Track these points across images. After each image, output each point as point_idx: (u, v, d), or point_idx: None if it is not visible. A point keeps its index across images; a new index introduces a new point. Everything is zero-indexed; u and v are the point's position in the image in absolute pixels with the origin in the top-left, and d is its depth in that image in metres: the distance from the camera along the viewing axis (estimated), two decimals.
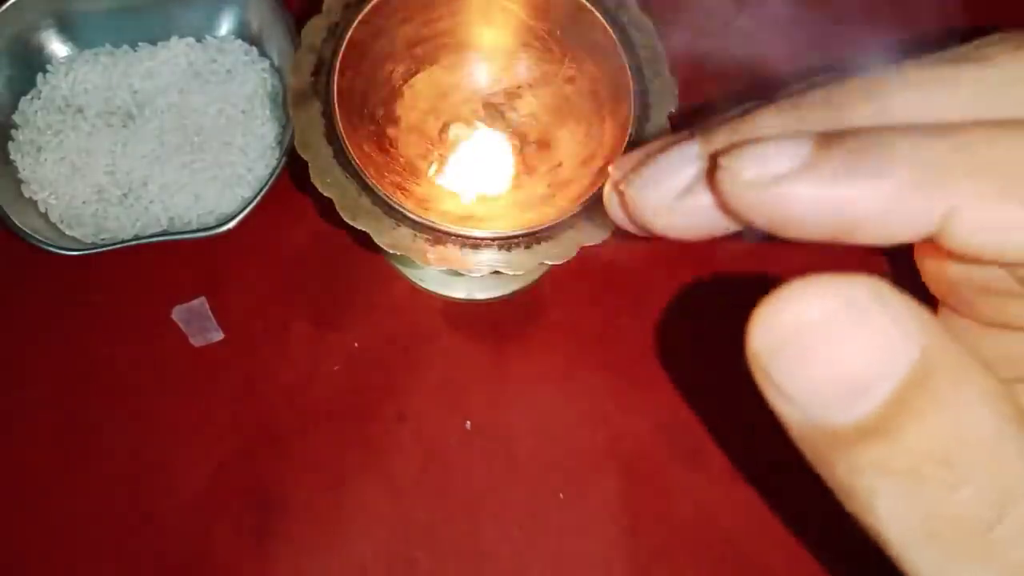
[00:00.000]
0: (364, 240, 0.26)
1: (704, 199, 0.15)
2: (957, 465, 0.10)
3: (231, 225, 0.34)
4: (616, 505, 0.34)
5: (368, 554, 0.33)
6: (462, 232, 0.26)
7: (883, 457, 0.10)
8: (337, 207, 0.26)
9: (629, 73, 0.28)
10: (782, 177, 0.13)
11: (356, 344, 0.36)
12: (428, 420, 0.35)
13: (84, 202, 0.37)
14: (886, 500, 0.10)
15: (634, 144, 0.28)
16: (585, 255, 0.26)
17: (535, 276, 0.37)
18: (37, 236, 0.34)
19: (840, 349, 0.11)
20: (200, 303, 0.36)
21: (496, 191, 0.31)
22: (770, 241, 0.37)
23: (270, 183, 0.35)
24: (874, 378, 0.10)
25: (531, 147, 0.32)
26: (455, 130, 0.32)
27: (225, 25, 0.40)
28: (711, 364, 0.37)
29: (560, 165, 0.31)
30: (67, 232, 0.36)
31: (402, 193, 0.28)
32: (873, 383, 0.10)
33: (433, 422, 0.35)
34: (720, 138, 0.15)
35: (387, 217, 0.26)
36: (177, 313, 0.36)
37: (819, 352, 0.11)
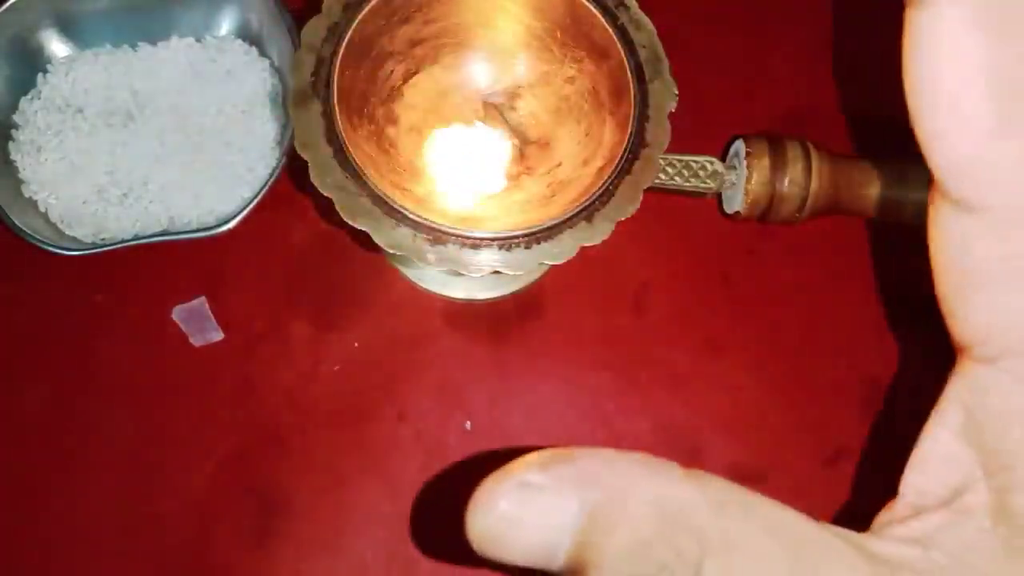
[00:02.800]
0: (364, 240, 0.26)
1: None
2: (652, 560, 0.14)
3: (231, 225, 0.34)
4: None
5: (368, 554, 0.33)
6: (462, 232, 0.26)
7: (597, 563, 0.14)
8: (337, 207, 0.26)
9: (629, 73, 0.28)
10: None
11: (356, 344, 0.36)
12: (428, 420, 0.35)
13: (84, 202, 0.37)
14: None
15: (634, 144, 0.28)
16: (585, 255, 0.26)
17: (535, 276, 0.37)
18: (37, 236, 0.34)
19: (524, 526, 0.14)
20: (200, 303, 0.36)
21: (496, 191, 0.31)
22: (765, 222, 0.37)
23: (270, 183, 0.35)
24: (557, 537, 0.14)
25: (531, 147, 0.32)
26: (455, 130, 0.32)
27: (225, 25, 0.40)
28: (711, 364, 0.37)
29: (560, 165, 0.31)
30: (67, 232, 0.36)
31: (402, 193, 0.28)
32: (558, 540, 0.14)
33: (433, 422, 0.35)
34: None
35: (387, 217, 0.26)
36: (177, 313, 0.36)
37: (511, 534, 0.14)
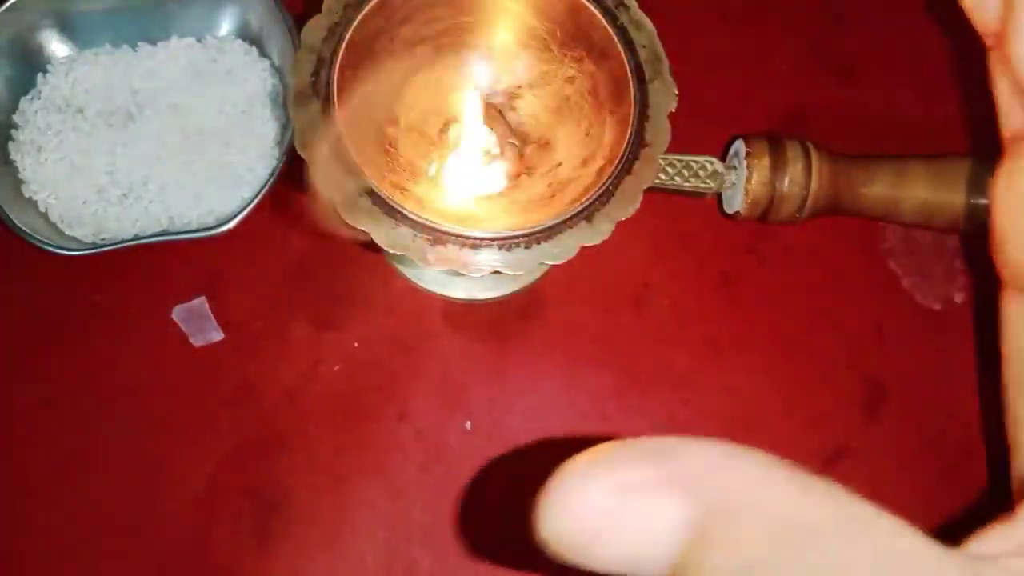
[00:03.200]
0: (364, 240, 0.26)
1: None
2: None
3: (231, 225, 0.34)
4: None
5: (368, 554, 0.33)
6: (462, 232, 0.26)
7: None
8: (337, 207, 0.26)
9: (629, 73, 0.28)
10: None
11: (356, 344, 0.36)
12: (428, 420, 0.35)
13: (84, 202, 0.37)
14: None
15: (634, 144, 0.28)
16: (585, 255, 0.26)
17: (535, 276, 0.37)
18: (37, 236, 0.34)
19: (621, 530, 0.12)
20: (200, 303, 0.36)
21: (496, 191, 0.31)
22: (765, 222, 0.36)
23: (270, 183, 0.35)
24: (655, 548, 0.12)
25: (531, 147, 0.32)
26: (455, 130, 0.32)
27: (225, 25, 0.40)
28: (711, 364, 0.37)
29: (560, 165, 0.31)
30: (67, 232, 0.36)
31: (402, 193, 0.28)
32: (656, 552, 0.12)
33: (433, 422, 0.35)
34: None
35: (387, 217, 0.26)
36: (177, 313, 0.36)
37: (603, 537, 0.12)
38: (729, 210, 0.38)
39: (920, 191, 0.36)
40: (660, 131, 0.28)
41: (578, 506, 0.12)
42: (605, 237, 0.26)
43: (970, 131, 0.42)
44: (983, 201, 0.35)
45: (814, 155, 0.36)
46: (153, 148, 0.37)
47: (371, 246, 0.26)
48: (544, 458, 0.37)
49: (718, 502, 0.12)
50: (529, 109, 0.32)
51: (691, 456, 0.12)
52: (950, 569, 0.13)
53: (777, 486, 0.12)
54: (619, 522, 0.12)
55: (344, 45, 0.28)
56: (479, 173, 0.32)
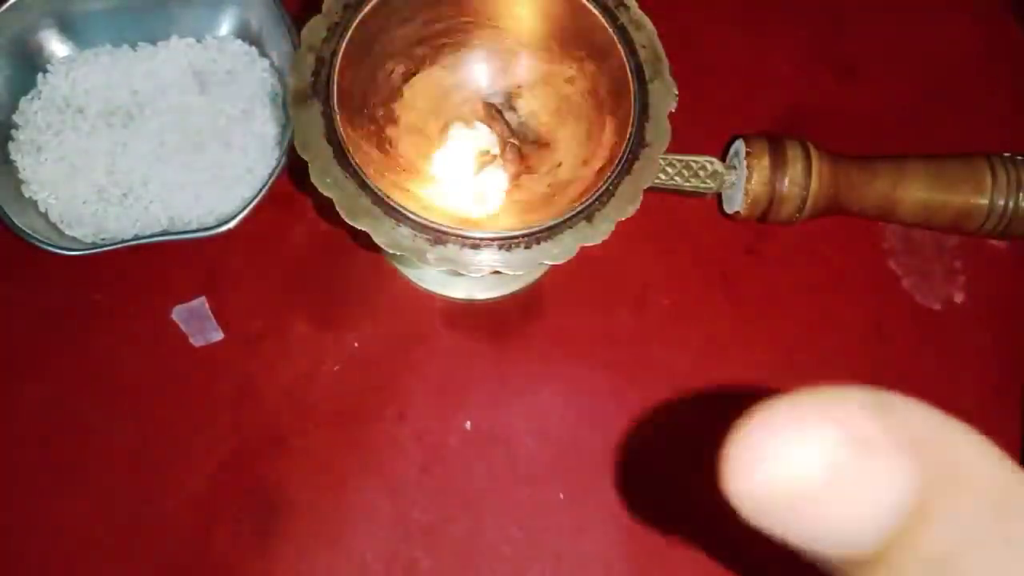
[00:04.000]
0: (364, 240, 0.26)
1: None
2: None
3: (231, 225, 0.34)
4: (616, 505, 0.34)
5: (368, 554, 0.33)
6: (462, 232, 0.26)
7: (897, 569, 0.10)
8: (337, 207, 0.26)
9: (629, 73, 0.28)
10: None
11: (356, 344, 0.36)
12: (428, 420, 0.35)
13: (84, 202, 0.37)
14: None
15: (634, 144, 0.28)
16: (585, 255, 0.26)
17: (535, 276, 0.37)
18: (37, 236, 0.34)
19: (843, 493, 0.10)
20: (200, 303, 0.36)
21: (496, 191, 0.31)
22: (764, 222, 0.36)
23: (270, 183, 0.35)
24: (877, 518, 0.10)
25: (531, 147, 0.32)
26: (455, 130, 0.32)
27: (225, 25, 0.40)
28: (711, 364, 0.37)
29: (560, 165, 0.31)
30: (67, 232, 0.36)
31: (402, 193, 0.28)
32: (878, 522, 0.10)
33: (433, 422, 0.35)
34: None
35: (387, 217, 0.26)
36: (177, 313, 0.36)
37: (819, 501, 0.10)
38: (729, 210, 0.38)
39: (920, 191, 0.36)
40: (660, 131, 0.28)
41: (790, 460, 0.10)
42: (605, 237, 0.26)
43: (971, 131, 0.42)
44: (983, 201, 0.35)
45: (814, 155, 0.36)
46: (153, 148, 0.37)
47: (371, 246, 0.26)
48: (544, 458, 0.37)
49: (941, 472, 0.10)
50: (529, 109, 0.32)
51: (912, 415, 0.11)
52: None
53: (991, 464, 0.11)
54: (842, 483, 0.10)
55: (344, 45, 0.28)
56: (479, 173, 0.32)
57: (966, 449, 0.11)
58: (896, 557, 0.10)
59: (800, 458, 0.10)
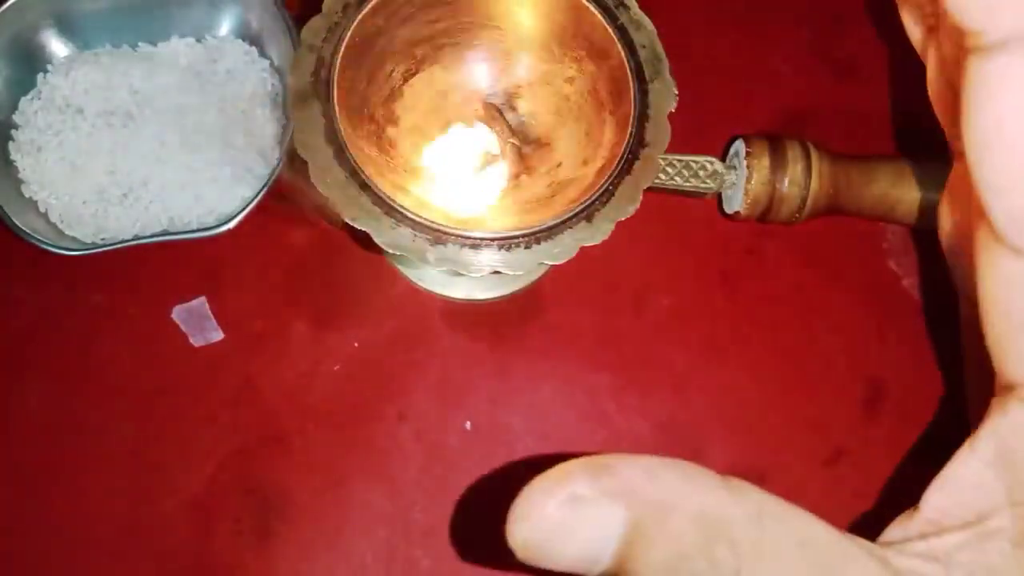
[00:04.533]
0: (364, 240, 0.26)
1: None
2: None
3: (231, 225, 0.34)
4: None
5: (368, 554, 0.33)
6: (462, 232, 0.26)
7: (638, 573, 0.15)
8: (337, 207, 0.26)
9: (629, 73, 0.28)
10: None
11: (356, 344, 0.36)
12: (428, 420, 0.35)
13: (84, 202, 0.37)
14: None
15: (634, 144, 0.28)
16: (585, 255, 0.26)
17: (535, 276, 0.37)
18: (37, 236, 0.34)
19: (571, 535, 0.15)
20: (200, 303, 0.36)
21: (496, 191, 0.31)
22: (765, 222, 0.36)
23: (270, 183, 0.35)
24: (601, 547, 0.15)
25: (531, 147, 0.32)
26: (455, 130, 0.32)
27: (225, 25, 0.40)
28: (711, 364, 0.37)
29: (560, 165, 0.31)
30: (67, 232, 0.36)
31: (402, 193, 0.28)
32: (602, 550, 0.15)
33: (433, 422, 0.35)
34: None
35: (387, 217, 0.26)
36: (177, 313, 0.36)
37: (557, 542, 0.15)
38: (729, 210, 0.38)
39: (919, 192, 0.36)
40: (660, 131, 0.28)
41: (538, 516, 0.15)
42: (605, 237, 0.26)
43: None
44: None
45: (814, 155, 0.36)
46: (153, 148, 0.37)
47: (371, 246, 0.26)
48: (544, 458, 0.37)
49: (648, 506, 0.14)
50: (529, 109, 0.32)
51: (627, 469, 0.15)
52: (858, 553, 0.15)
53: (700, 488, 0.15)
54: (571, 527, 0.15)
55: (344, 45, 0.28)
56: (479, 173, 0.32)
57: (678, 483, 0.15)
58: (633, 570, 0.15)
59: (541, 516, 0.15)
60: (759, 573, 0.14)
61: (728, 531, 0.14)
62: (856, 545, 0.15)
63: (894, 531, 0.18)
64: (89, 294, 0.37)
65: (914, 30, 0.22)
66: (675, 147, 0.29)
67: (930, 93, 0.21)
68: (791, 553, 0.14)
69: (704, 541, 0.14)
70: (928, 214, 0.37)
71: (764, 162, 0.35)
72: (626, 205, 0.27)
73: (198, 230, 0.35)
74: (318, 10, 0.28)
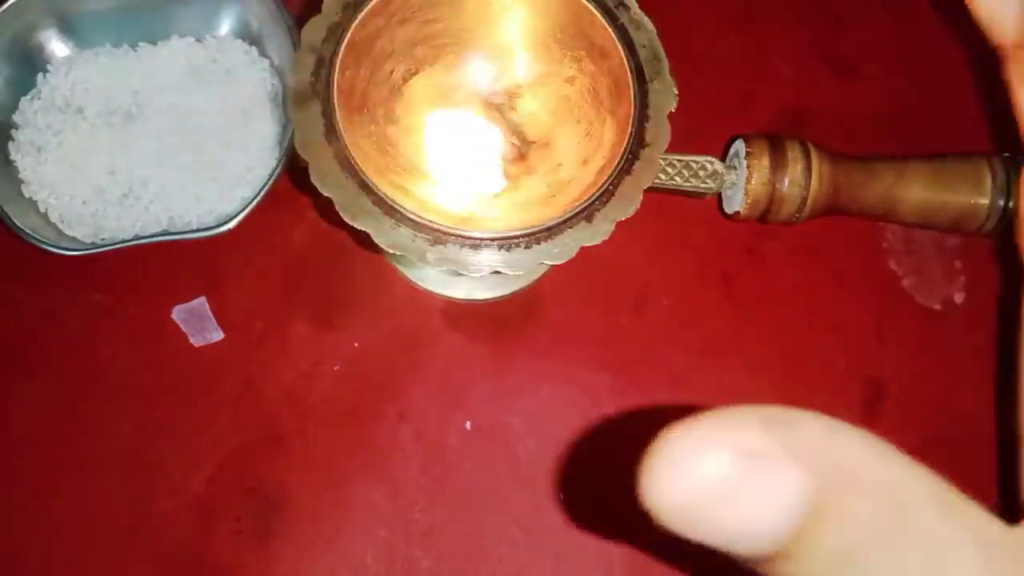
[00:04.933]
0: (364, 240, 0.26)
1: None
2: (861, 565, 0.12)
3: (231, 225, 0.34)
4: (616, 505, 0.34)
5: (368, 554, 0.33)
6: (462, 232, 0.26)
7: (800, 567, 0.12)
8: (337, 207, 0.26)
9: (629, 73, 0.28)
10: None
11: (356, 344, 0.36)
12: (428, 420, 0.35)
13: (84, 202, 0.37)
14: None
15: (634, 144, 0.28)
16: (585, 255, 0.26)
17: (535, 276, 0.37)
18: (37, 236, 0.34)
19: (740, 500, 0.12)
20: (200, 303, 0.36)
21: (495, 191, 0.31)
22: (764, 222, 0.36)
23: (270, 183, 0.35)
24: (771, 519, 0.12)
25: (531, 147, 0.32)
26: (455, 130, 0.32)
27: (225, 25, 0.40)
28: (711, 364, 0.37)
29: (560, 165, 0.31)
30: (67, 232, 0.36)
31: (402, 193, 0.28)
32: (772, 523, 0.12)
33: (433, 422, 0.35)
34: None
35: (387, 217, 0.26)
36: (177, 313, 0.36)
37: (721, 508, 0.12)
38: (729, 210, 0.38)
39: (920, 191, 0.36)
40: (660, 131, 0.28)
41: (696, 473, 0.12)
42: (605, 237, 0.26)
43: (971, 131, 0.42)
44: (983, 201, 0.35)
45: (814, 155, 0.36)
46: (153, 148, 0.37)
47: (371, 246, 0.26)
48: (544, 458, 0.37)
49: (834, 476, 0.12)
50: (529, 109, 0.32)
51: (807, 428, 0.12)
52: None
53: (885, 464, 0.12)
54: (739, 492, 0.11)
55: (344, 45, 0.28)
56: (479, 173, 0.32)
57: (861, 453, 0.12)
58: (801, 551, 0.12)
59: (701, 472, 0.12)
60: (935, 570, 0.12)
61: (915, 519, 0.12)
62: None
63: None
64: (89, 294, 0.37)
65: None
66: (675, 147, 0.29)
67: None
68: (968, 554, 0.12)
69: (889, 526, 0.12)
70: (928, 214, 0.37)
71: (764, 162, 0.35)
72: (626, 205, 0.27)
73: (198, 230, 0.35)
74: (318, 10, 0.28)
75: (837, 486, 0.12)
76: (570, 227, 0.27)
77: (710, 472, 0.12)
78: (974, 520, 0.12)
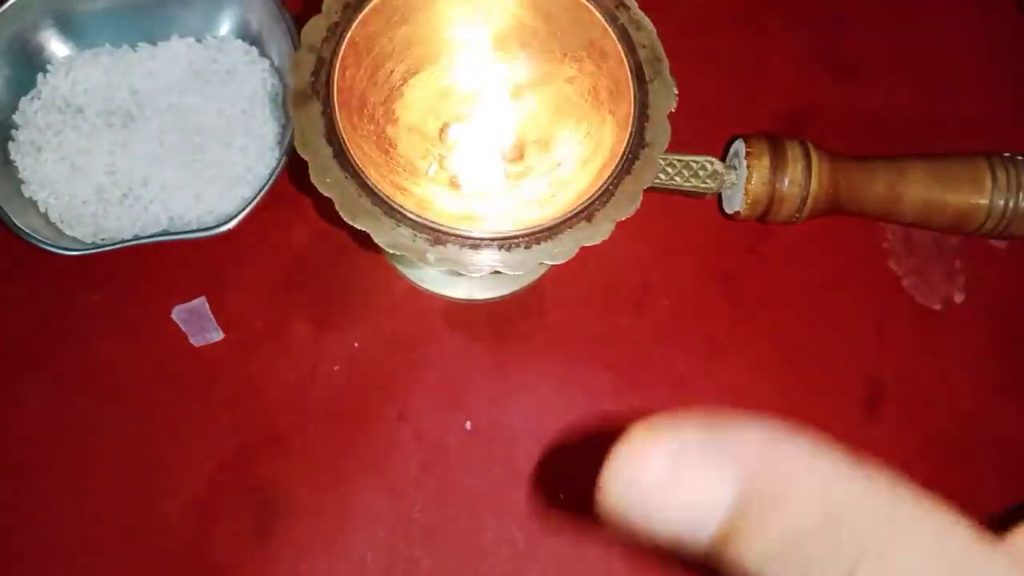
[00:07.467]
0: (364, 240, 0.26)
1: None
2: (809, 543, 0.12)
3: (231, 225, 0.34)
4: None
5: (368, 554, 0.33)
6: (462, 232, 0.26)
7: (745, 548, 0.13)
8: (337, 207, 0.26)
9: (629, 73, 0.28)
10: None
11: (356, 344, 0.36)
12: (428, 420, 0.35)
13: (84, 202, 0.37)
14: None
15: (634, 144, 0.28)
16: (585, 255, 0.26)
17: (535, 276, 0.37)
18: (37, 236, 0.34)
19: (676, 494, 0.13)
20: (200, 303, 0.36)
21: (495, 190, 0.31)
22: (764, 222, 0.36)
23: (270, 183, 0.35)
24: (707, 513, 0.13)
25: (531, 147, 0.32)
26: (455, 130, 0.32)
27: (225, 25, 0.40)
28: (711, 364, 0.37)
29: (560, 165, 0.31)
30: (67, 232, 0.36)
31: (402, 193, 0.28)
32: (708, 517, 0.13)
33: (433, 422, 0.35)
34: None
35: (387, 217, 0.26)
36: (177, 313, 0.36)
37: (657, 507, 0.13)
38: (729, 210, 0.38)
39: (920, 191, 0.36)
40: (660, 131, 0.28)
41: (638, 471, 0.13)
42: (605, 237, 0.26)
43: (970, 131, 0.42)
44: (983, 201, 0.35)
45: (814, 155, 0.36)
46: (153, 148, 0.37)
47: (371, 246, 0.26)
48: (544, 458, 0.37)
49: (767, 476, 0.12)
50: (529, 109, 0.32)
51: (745, 433, 0.13)
52: (999, 567, 0.13)
53: (826, 466, 0.13)
54: (675, 486, 0.13)
55: (344, 45, 0.28)
56: (479, 172, 0.32)
57: (795, 461, 0.13)
58: (742, 540, 0.12)
59: (639, 470, 0.13)
60: (880, 572, 0.12)
61: (855, 519, 0.12)
62: (997, 558, 0.13)
63: None
64: (89, 294, 0.37)
65: None
66: (675, 147, 0.29)
67: None
68: (921, 559, 0.12)
69: (827, 525, 0.12)
70: (928, 214, 0.37)
71: (764, 162, 0.35)
72: (626, 205, 0.27)
73: (198, 230, 0.35)
74: (318, 10, 0.28)
75: (773, 484, 0.12)
76: (570, 227, 0.27)
77: (648, 470, 0.13)
78: (933, 532, 0.13)
